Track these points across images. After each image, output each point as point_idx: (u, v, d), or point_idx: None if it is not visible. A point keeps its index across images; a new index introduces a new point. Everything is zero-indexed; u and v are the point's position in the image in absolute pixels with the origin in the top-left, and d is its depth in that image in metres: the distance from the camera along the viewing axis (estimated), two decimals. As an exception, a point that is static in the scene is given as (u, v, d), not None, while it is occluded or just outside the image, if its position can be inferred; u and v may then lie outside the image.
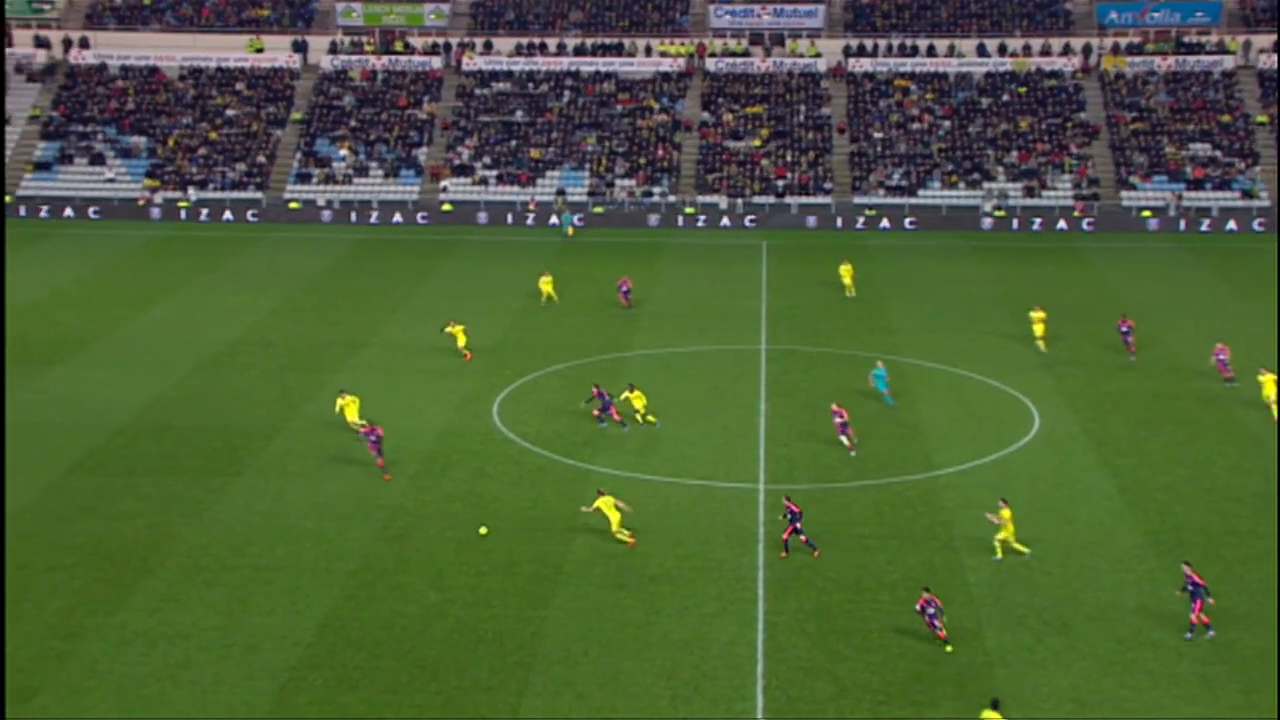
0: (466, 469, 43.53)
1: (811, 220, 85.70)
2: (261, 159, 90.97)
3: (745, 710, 29.66)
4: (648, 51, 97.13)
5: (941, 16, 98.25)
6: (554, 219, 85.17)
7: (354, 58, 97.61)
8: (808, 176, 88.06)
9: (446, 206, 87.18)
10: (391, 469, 42.65)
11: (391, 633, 32.86)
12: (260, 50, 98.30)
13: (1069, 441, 46.05)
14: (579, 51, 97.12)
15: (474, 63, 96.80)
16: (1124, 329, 55.96)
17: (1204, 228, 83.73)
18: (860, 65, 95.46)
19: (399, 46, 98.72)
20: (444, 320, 56.74)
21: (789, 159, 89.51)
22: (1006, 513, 36.74)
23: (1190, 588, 32.41)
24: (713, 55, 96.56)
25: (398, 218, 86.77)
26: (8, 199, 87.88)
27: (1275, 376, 48.08)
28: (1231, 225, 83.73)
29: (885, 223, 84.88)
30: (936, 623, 31.85)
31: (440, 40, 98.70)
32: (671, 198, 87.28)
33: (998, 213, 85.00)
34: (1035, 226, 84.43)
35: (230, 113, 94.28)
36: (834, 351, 57.05)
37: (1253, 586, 35.13)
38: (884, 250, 78.49)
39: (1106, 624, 33.24)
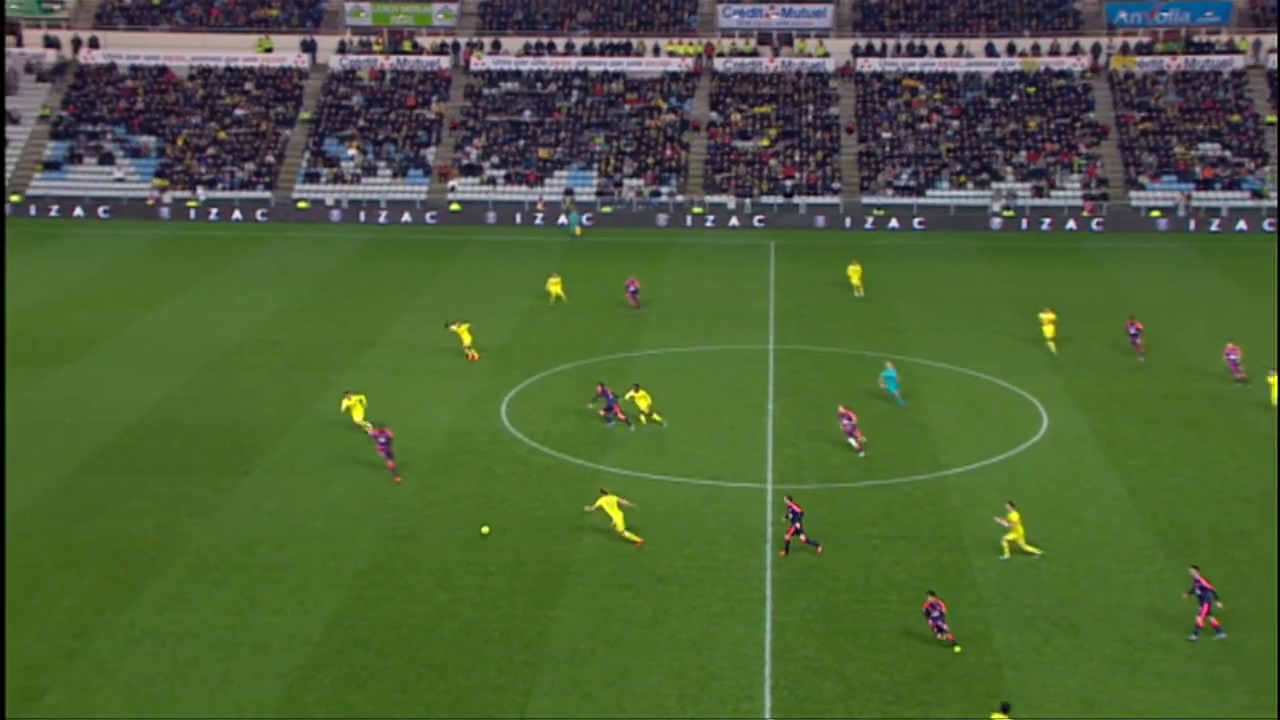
0: (475, 469, 43.55)
1: (820, 220, 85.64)
2: (270, 159, 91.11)
3: (753, 710, 29.64)
4: (656, 51, 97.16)
5: (950, 16, 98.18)
6: (562, 219, 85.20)
7: (362, 57, 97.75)
8: (816, 176, 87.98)
9: (455, 206, 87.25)
10: (400, 469, 42.68)
11: (399, 632, 32.88)
12: (269, 50, 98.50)
13: (1078, 442, 45.97)
14: (587, 51, 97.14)
15: (482, 62, 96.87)
16: (1132, 331, 55.73)
17: (1213, 228, 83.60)
18: (869, 65, 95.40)
19: (407, 46, 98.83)
20: (449, 318, 56.78)
21: (797, 159, 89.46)
22: (1015, 516, 36.68)
23: (1199, 591, 32.35)
24: (721, 55, 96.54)
25: (406, 217, 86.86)
26: (17, 198, 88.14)
27: (1281, 378, 48.11)
28: (1241, 225, 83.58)
29: (894, 223, 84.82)
30: (942, 626, 31.79)
31: (448, 40, 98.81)
32: (679, 198, 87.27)
33: (1006, 213, 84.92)
34: (1044, 226, 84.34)
35: (239, 112, 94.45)
36: (842, 351, 57.01)
37: (1261, 587, 35.02)
38: (892, 250, 78.40)
39: (1115, 625, 33.17)
